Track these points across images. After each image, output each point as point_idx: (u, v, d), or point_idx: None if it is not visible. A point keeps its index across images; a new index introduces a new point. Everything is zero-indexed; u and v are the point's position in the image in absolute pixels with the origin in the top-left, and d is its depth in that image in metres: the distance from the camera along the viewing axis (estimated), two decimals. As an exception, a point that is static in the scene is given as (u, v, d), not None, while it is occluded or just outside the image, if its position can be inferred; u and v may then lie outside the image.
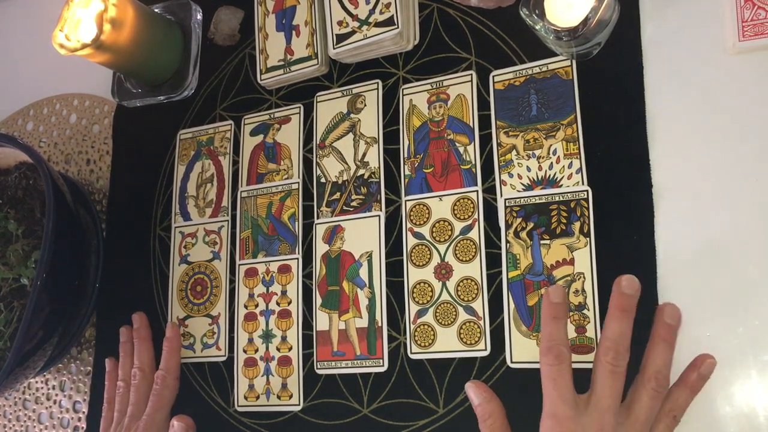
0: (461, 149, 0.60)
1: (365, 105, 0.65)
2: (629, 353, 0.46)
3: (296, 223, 0.67)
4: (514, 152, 0.58)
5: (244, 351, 0.66)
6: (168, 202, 0.75)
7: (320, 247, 0.64)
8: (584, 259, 0.54)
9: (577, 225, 0.55)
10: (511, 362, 0.55)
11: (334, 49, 0.65)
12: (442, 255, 0.59)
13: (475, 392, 0.53)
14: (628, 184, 0.54)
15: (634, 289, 0.48)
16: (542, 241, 0.55)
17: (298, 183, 0.67)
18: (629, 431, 0.45)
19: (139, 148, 0.79)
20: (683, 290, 0.51)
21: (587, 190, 0.55)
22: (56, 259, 0.62)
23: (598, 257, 0.54)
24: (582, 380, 0.48)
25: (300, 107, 0.69)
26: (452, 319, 0.58)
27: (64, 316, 0.69)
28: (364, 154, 0.64)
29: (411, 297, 0.60)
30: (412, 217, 0.61)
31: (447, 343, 0.58)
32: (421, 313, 0.59)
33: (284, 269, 0.66)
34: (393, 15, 0.62)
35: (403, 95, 0.64)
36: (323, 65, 0.68)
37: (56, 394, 0.79)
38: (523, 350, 0.54)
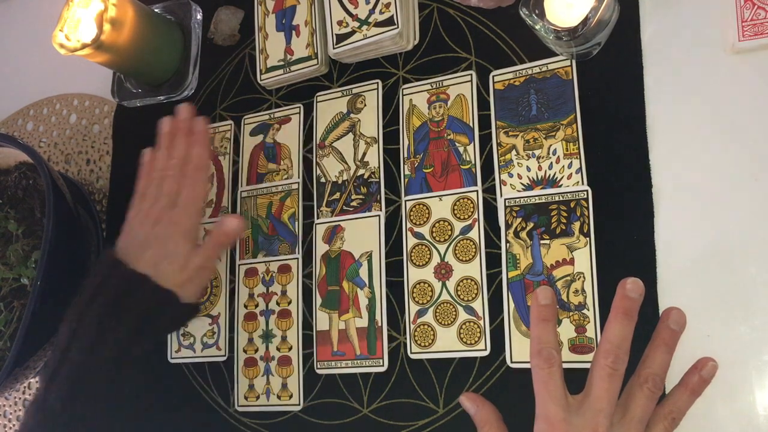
0: (461, 149, 0.60)
1: (365, 105, 0.65)
2: (628, 357, 0.46)
3: (296, 223, 0.67)
4: (514, 152, 0.58)
5: (244, 351, 0.66)
6: (168, 202, 0.74)
7: (320, 247, 0.64)
8: (584, 259, 0.54)
9: (577, 225, 0.55)
10: (511, 362, 0.55)
11: (334, 49, 0.65)
12: (442, 255, 0.59)
13: (469, 403, 0.53)
14: (628, 184, 0.54)
15: (638, 293, 0.47)
16: (542, 241, 0.55)
17: (298, 183, 0.67)
18: (623, 431, 0.45)
19: (139, 148, 0.79)
20: (683, 290, 0.51)
21: (587, 190, 0.55)
22: (56, 259, 0.62)
23: (598, 257, 0.54)
24: (582, 380, 0.48)
25: (300, 107, 0.69)
26: (452, 319, 0.58)
27: (64, 317, 0.69)
28: (364, 154, 0.64)
29: (411, 297, 0.60)
30: (412, 217, 0.61)
31: (447, 343, 0.58)
32: (421, 313, 0.59)
33: (284, 269, 0.66)
34: (393, 15, 0.62)
35: (403, 95, 0.64)
36: (323, 65, 0.68)
37: (56, 394, 0.79)
38: (523, 350, 0.54)
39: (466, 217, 0.59)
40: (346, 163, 0.65)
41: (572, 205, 0.55)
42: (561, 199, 0.56)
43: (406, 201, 0.62)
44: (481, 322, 0.57)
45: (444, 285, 0.59)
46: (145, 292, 0.58)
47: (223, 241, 0.62)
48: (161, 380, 0.70)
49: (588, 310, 0.53)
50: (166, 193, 0.62)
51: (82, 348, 0.56)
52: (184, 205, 0.62)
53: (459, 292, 0.58)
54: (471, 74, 0.61)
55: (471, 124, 0.60)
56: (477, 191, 0.59)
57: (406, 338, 0.59)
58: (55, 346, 0.57)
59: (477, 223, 0.58)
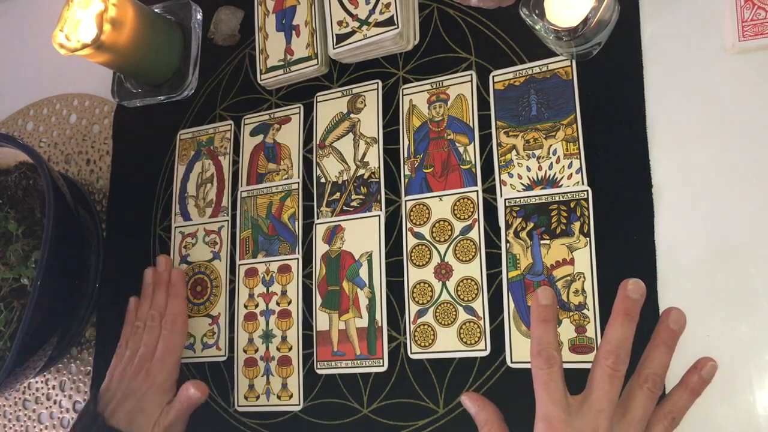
0: (461, 149, 0.60)
1: (365, 105, 0.65)
2: (629, 358, 0.46)
3: (296, 223, 0.67)
4: (514, 152, 0.58)
5: (244, 351, 0.66)
6: (168, 202, 0.75)
7: (320, 247, 0.64)
8: (584, 259, 0.54)
9: (577, 225, 0.55)
10: (511, 362, 0.55)
11: (334, 49, 0.65)
12: (442, 255, 0.59)
13: (470, 403, 0.53)
14: (628, 184, 0.54)
15: (640, 294, 0.47)
16: (542, 241, 0.55)
17: (298, 183, 0.67)
18: (624, 431, 0.45)
19: (139, 148, 0.79)
20: (683, 290, 0.51)
21: (587, 190, 0.55)
22: (56, 259, 0.62)
23: (598, 257, 0.54)
24: (582, 380, 0.48)
25: (300, 107, 0.69)
26: (452, 319, 0.58)
27: (64, 316, 0.69)
28: (364, 154, 0.64)
29: (411, 297, 0.60)
30: (412, 217, 0.61)
31: (447, 343, 0.58)
32: (421, 313, 0.59)
33: (284, 269, 0.66)
34: (393, 15, 0.62)
35: (403, 95, 0.64)
36: (323, 65, 0.68)
37: (56, 394, 0.79)
38: (523, 350, 0.54)
39: (466, 217, 0.59)
40: (346, 163, 0.65)
41: (572, 205, 0.55)
42: (561, 199, 0.56)
43: (406, 201, 0.62)
44: (481, 322, 0.57)
45: (444, 285, 0.59)
46: None
47: (188, 404, 0.66)
48: (161, 380, 0.70)
49: (588, 310, 0.53)
50: (144, 344, 0.67)
51: None
52: (161, 357, 0.66)
53: (459, 292, 0.58)
54: (471, 74, 0.61)
55: (471, 124, 0.60)
56: (477, 191, 0.59)
57: (406, 338, 0.59)
58: None
59: (477, 223, 0.58)
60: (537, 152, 0.57)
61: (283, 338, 0.65)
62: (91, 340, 0.77)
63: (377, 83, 0.65)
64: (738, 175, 0.51)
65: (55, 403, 0.78)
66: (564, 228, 0.55)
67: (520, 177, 0.58)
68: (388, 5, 0.63)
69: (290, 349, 0.64)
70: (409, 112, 0.63)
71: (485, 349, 0.56)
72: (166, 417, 0.65)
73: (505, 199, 0.57)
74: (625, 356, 0.46)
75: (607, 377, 0.46)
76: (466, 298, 0.58)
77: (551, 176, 0.56)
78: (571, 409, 0.46)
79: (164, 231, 0.74)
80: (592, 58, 0.57)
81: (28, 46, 0.93)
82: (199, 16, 0.77)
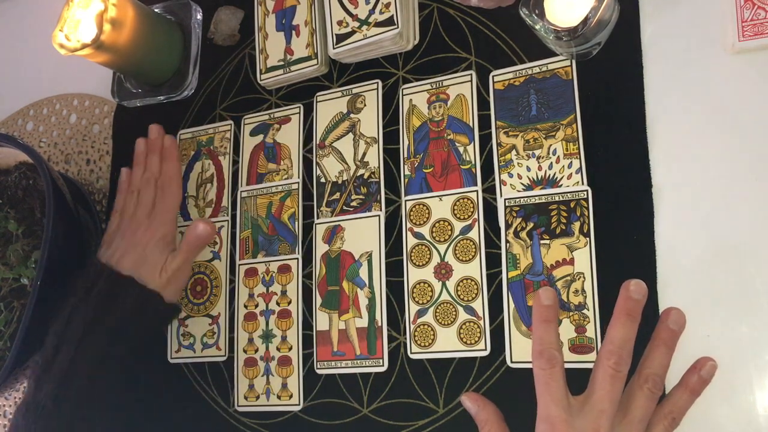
0: (461, 149, 0.60)
1: (365, 105, 0.65)
2: (631, 358, 0.46)
3: (296, 223, 0.67)
4: (513, 152, 0.58)
5: (244, 351, 0.66)
6: (168, 202, 0.74)
7: (320, 247, 0.64)
8: (584, 259, 0.54)
9: (577, 225, 0.55)
10: (511, 362, 0.55)
11: (334, 49, 0.65)
12: (442, 255, 0.59)
13: (470, 403, 0.53)
14: (628, 184, 0.54)
15: (642, 294, 0.47)
16: (542, 241, 0.55)
17: (298, 183, 0.67)
18: (625, 431, 0.45)
19: (139, 148, 0.79)
20: (683, 290, 0.51)
21: (587, 190, 0.55)
22: (56, 259, 0.62)
23: (598, 257, 0.54)
24: (582, 380, 0.48)
25: (300, 107, 0.69)
26: (452, 319, 0.58)
27: (64, 316, 0.69)
28: (364, 154, 0.64)
29: (411, 297, 0.60)
30: (412, 217, 0.61)
31: (447, 343, 0.58)
32: (421, 313, 0.59)
33: (284, 269, 0.66)
34: (393, 15, 0.62)
35: (402, 95, 0.64)
36: (323, 65, 0.68)
37: (56, 394, 0.78)
38: (523, 350, 0.54)
39: (466, 217, 0.59)
40: (346, 163, 0.65)
41: (572, 205, 0.55)
42: (561, 199, 0.56)
43: (406, 201, 0.62)
44: (481, 322, 0.57)
45: (444, 285, 0.59)
46: (131, 293, 0.62)
47: (196, 244, 0.66)
48: (161, 380, 0.70)
49: (588, 310, 0.53)
50: (142, 204, 0.68)
51: (70, 348, 0.59)
52: (159, 214, 0.67)
53: (459, 292, 0.58)
54: (471, 74, 0.61)
55: (471, 124, 0.60)
56: (477, 191, 0.59)
57: (406, 338, 0.59)
58: (45, 348, 0.60)
59: (477, 223, 0.58)
60: (537, 152, 0.57)
61: (283, 338, 0.65)
62: (91, 340, 0.77)
63: (377, 83, 0.65)
64: (738, 175, 0.51)
65: (55, 403, 0.78)
66: (564, 228, 0.55)
67: (520, 177, 0.58)
68: (388, 5, 0.63)
69: (290, 349, 0.64)
70: (409, 112, 0.63)
71: (485, 349, 0.56)
72: (172, 262, 0.65)
73: (505, 199, 0.57)
74: (627, 357, 0.46)
75: (609, 378, 0.46)
76: (466, 298, 0.58)
77: (551, 176, 0.56)
78: (573, 410, 0.46)
79: (164, 231, 0.74)
80: (592, 58, 0.57)
81: (28, 46, 0.93)
82: (199, 16, 0.77)
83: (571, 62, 0.57)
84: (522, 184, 0.57)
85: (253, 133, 0.71)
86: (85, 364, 0.59)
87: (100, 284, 0.62)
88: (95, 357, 0.60)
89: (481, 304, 0.57)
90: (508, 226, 0.57)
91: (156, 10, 0.76)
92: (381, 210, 0.62)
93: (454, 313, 0.58)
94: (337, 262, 0.63)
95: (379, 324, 0.60)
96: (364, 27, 0.64)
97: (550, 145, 0.57)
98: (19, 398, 0.81)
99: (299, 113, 0.69)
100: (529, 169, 0.57)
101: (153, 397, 0.70)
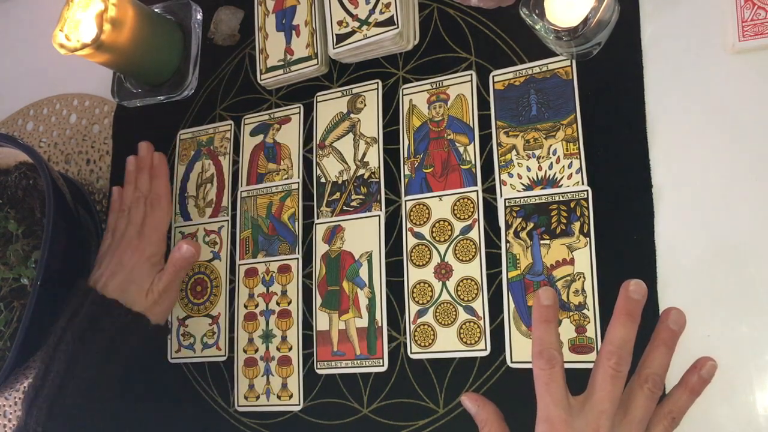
0: (461, 149, 0.60)
1: (365, 105, 0.65)
2: (631, 358, 0.46)
3: (296, 223, 0.67)
4: (514, 152, 0.58)
5: (244, 351, 0.66)
6: (168, 202, 0.74)
7: (320, 247, 0.64)
8: (584, 259, 0.54)
9: (577, 225, 0.55)
10: (511, 362, 0.55)
11: (334, 49, 0.65)
12: (442, 255, 0.59)
13: (470, 403, 0.53)
14: (628, 184, 0.54)
15: (642, 294, 0.47)
16: (542, 241, 0.55)
17: (298, 183, 0.67)
18: (625, 431, 0.45)
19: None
20: (683, 290, 0.51)
21: (587, 190, 0.55)
22: (56, 259, 0.62)
23: (598, 257, 0.54)
24: (582, 380, 0.48)
25: (300, 107, 0.69)
26: (452, 319, 0.58)
27: (64, 316, 0.69)
28: (364, 154, 0.64)
29: (411, 297, 0.60)
30: (412, 217, 0.61)
31: (447, 343, 0.58)
32: (421, 313, 0.59)
33: (284, 269, 0.66)
34: (393, 15, 0.62)
35: (403, 95, 0.64)
36: (323, 65, 0.68)
37: (56, 394, 0.79)
38: (523, 350, 0.54)
39: (466, 217, 0.59)
40: (346, 163, 0.65)
41: (572, 205, 0.55)
42: (561, 199, 0.56)
43: (406, 201, 0.62)
44: (481, 322, 0.57)
45: (444, 285, 0.59)
46: (116, 316, 0.63)
47: (181, 265, 0.67)
48: (161, 380, 0.70)
49: (588, 310, 0.53)
50: (132, 223, 0.69)
51: (57, 374, 0.60)
52: (148, 233, 0.68)
53: (459, 292, 0.58)
54: (471, 74, 0.61)
55: (471, 124, 0.60)
56: (477, 191, 0.59)
57: (406, 338, 0.59)
58: (35, 373, 0.61)
59: (477, 223, 0.58)
60: (537, 152, 0.57)
61: (283, 338, 0.65)
62: (91, 340, 0.77)
63: (377, 83, 0.65)
64: (738, 175, 0.51)
65: (55, 403, 0.78)
66: (564, 228, 0.55)
67: (520, 177, 0.58)
68: (388, 5, 0.63)
69: (290, 349, 0.64)
70: (409, 112, 0.63)
71: (485, 349, 0.56)
72: (158, 283, 0.65)
73: (505, 199, 0.57)
74: (627, 357, 0.46)
75: (609, 378, 0.46)
76: (466, 298, 0.58)
77: (551, 176, 0.56)
78: (573, 410, 0.46)
79: (164, 231, 0.74)
80: (592, 58, 0.57)
81: (28, 46, 0.93)
82: (199, 16, 0.77)
83: (571, 62, 0.57)
84: (522, 184, 0.57)
85: (253, 133, 0.71)
86: (73, 390, 0.60)
87: (86, 308, 0.63)
88: (83, 382, 0.61)
89: (481, 304, 0.57)
90: (508, 226, 0.57)
91: (156, 10, 0.76)
92: (381, 210, 0.62)
93: (454, 313, 0.58)
94: (337, 262, 0.63)
95: (379, 324, 0.60)
96: (364, 27, 0.64)
97: (550, 145, 0.57)
98: (19, 398, 0.81)
99: (299, 113, 0.69)
100: (529, 169, 0.57)
101: (153, 397, 0.70)
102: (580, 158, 0.56)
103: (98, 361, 0.61)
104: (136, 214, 0.69)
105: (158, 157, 0.73)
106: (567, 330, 0.53)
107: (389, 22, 0.62)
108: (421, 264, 0.60)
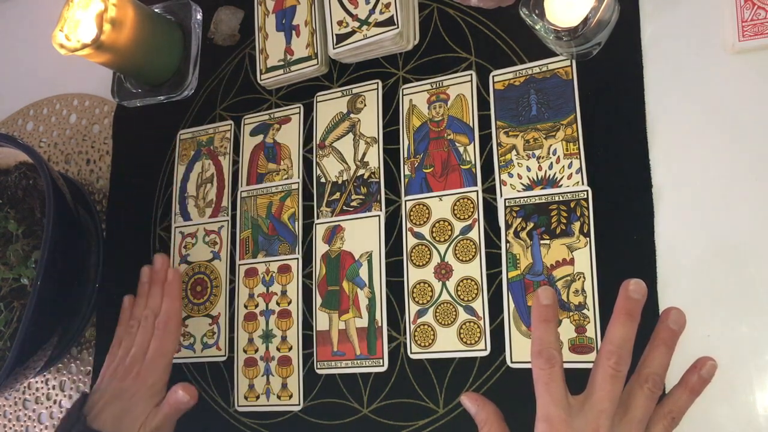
0: (461, 149, 0.60)
1: (365, 105, 0.65)
2: (631, 358, 0.46)
3: (296, 223, 0.67)
4: (514, 152, 0.58)
5: (244, 351, 0.66)
6: (168, 202, 0.75)
7: (320, 247, 0.64)
8: (584, 259, 0.54)
9: (577, 225, 0.55)
10: (511, 362, 0.55)
11: (334, 49, 0.65)
12: (442, 255, 0.59)
13: (470, 403, 0.53)
14: (628, 184, 0.54)
15: (641, 294, 0.48)
16: (542, 241, 0.55)
17: (298, 183, 0.67)
18: (625, 431, 0.45)
19: (139, 148, 0.79)
20: (683, 290, 0.51)
21: (587, 190, 0.55)
22: (56, 259, 0.62)
23: (598, 257, 0.54)
24: (582, 380, 0.48)
25: (300, 107, 0.69)
26: (452, 319, 0.58)
27: (64, 316, 0.69)
28: (364, 154, 0.64)
29: (411, 297, 0.60)
30: (412, 217, 0.61)
31: (447, 343, 0.58)
32: (421, 313, 0.59)
33: (284, 269, 0.66)
34: (393, 15, 0.62)
35: (403, 95, 0.64)
36: (323, 65, 0.68)
37: (56, 394, 0.79)
38: (523, 350, 0.54)
39: (466, 217, 0.59)
40: (346, 163, 0.65)
41: (572, 205, 0.55)
42: (561, 199, 0.56)
43: (406, 201, 0.62)
44: (481, 322, 0.57)
45: (444, 285, 0.59)
46: None
47: (177, 408, 0.65)
48: (161, 380, 0.70)
49: (588, 310, 0.53)
50: (138, 344, 0.67)
51: None
52: (152, 359, 0.66)
53: (459, 292, 0.58)
54: (471, 74, 0.61)
55: (471, 124, 0.60)
56: (477, 191, 0.59)
57: (406, 338, 0.59)
58: None
59: (477, 223, 0.58)
60: (537, 152, 0.57)
61: (283, 338, 0.65)
62: (91, 340, 0.77)
63: (377, 83, 0.65)
64: (738, 175, 0.51)
65: (55, 402, 0.78)
66: (564, 228, 0.55)
67: (520, 177, 0.58)
68: (388, 5, 0.63)
69: (290, 349, 0.64)
70: (409, 112, 0.63)
71: (485, 349, 0.56)
72: (153, 419, 0.64)
73: (505, 199, 0.57)
74: (627, 356, 0.46)
75: (608, 377, 0.46)
76: (466, 298, 0.58)
77: (551, 176, 0.56)
78: (573, 410, 0.46)
79: (164, 231, 0.74)
80: (592, 58, 0.57)
81: (28, 46, 0.93)
82: (199, 16, 0.77)
83: (571, 62, 0.57)
84: (522, 184, 0.57)
85: (253, 133, 0.71)
86: None
87: None
88: None
89: (481, 304, 0.57)
90: (508, 226, 0.57)
91: (156, 10, 0.76)
92: (381, 210, 0.62)
93: (454, 313, 0.58)
94: (337, 262, 0.63)
95: (379, 324, 0.60)
96: (364, 27, 0.64)
97: (550, 145, 0.57)
98: (19, 398, 0.81)
99: (299, 113, 0.69)
100: (529, 169, 0.57)
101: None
102: (580, 158, 0.56)
103: None
104: (143, 336, 0.67)
105: (173, 273, 0.70)
106: (567, 330, 0.53)
107: (389, 22, 0.62)
108: (421, 264, 0.60)
